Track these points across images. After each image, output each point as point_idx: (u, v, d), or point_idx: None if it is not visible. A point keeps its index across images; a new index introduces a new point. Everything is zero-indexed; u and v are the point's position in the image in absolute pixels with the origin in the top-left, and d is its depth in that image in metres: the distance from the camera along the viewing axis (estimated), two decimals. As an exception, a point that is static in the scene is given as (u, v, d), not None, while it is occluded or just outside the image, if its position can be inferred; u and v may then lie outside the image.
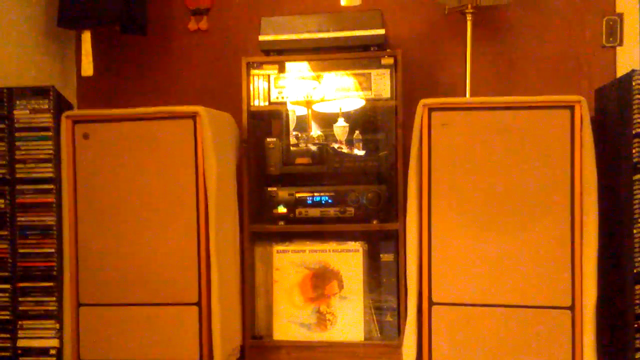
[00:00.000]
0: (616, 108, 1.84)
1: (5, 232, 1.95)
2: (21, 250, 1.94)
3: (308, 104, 2.22)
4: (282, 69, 2.21)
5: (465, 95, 2.19)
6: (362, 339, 2.11)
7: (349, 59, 2.17)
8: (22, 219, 1.95)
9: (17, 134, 1.95)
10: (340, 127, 2.21)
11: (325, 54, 2.17)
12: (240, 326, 2.12)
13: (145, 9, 2.47)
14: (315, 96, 2.20)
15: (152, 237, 1.91)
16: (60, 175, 1.94)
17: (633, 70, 1.75)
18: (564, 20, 2.37)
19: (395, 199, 2.10)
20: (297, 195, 2.14)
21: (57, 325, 1.95)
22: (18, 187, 1.95)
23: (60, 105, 1.99)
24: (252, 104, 2.19)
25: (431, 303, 1.84)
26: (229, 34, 2.58)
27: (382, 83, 2.16)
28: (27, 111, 1.95)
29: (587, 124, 1.77)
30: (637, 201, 1.74)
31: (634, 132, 1.74)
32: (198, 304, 1.90)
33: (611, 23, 2.33)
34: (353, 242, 2.14)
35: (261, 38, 2.19)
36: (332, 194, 2.13)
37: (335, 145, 2.19)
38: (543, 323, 1.78)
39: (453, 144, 1.84)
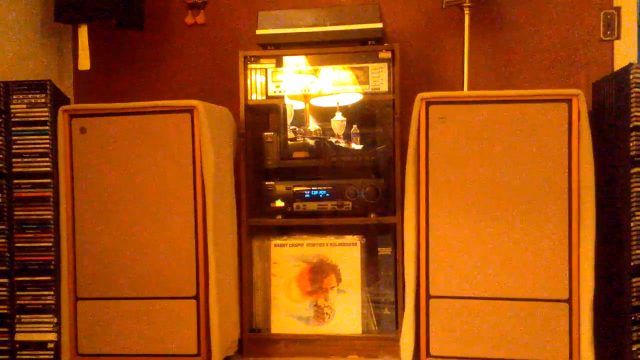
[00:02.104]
0: (614, 101, 1.85)
1: (3, 226, 1.94)
2: (19, 245, 1.94)
3: (305, 98, 2.22)
4: (279, 63, 2.21)
5: (462, 89, 2.18)
6: (360, 332, 2.12)
7: (347, 53, 2.16)
8: (20, 213, 1.94)
9: (14, 128, 1.95)
10: (338, 121, 2.21)
11: (322, 47, 2.17)
12: (238, 320, 2.12)
13: (142, 3, 2.46)
14: (312, 90, 2.20)
15: (149, 231, 1.91)
16: (58, 170, 1.94)
17: (630, 64, 1.75)
18: (562, 14, 2.37)
19: (392, 193, 2.10)
20: (295, 189, 2.14)
21: (55, 319, 1.95)
22: (15, 181, 1.95)
23: (57, 99, 1.99)
24: (249, 98, 2.19)
25: (429, 296, 1.85)
26: (226, 28, 2.57)
27: (379, 77, 2.16)
28: (24, 105, 1.95)
29: (585, 118, 1.77)
30: (634, 194, 1.74)
31: (631, 125, 1.74)
32: (196, 297, 1.90)
33: (609, 17, 2.33)
34: (351, 236, 2.15)
35: (258, 32, 2.18)
36: (329, 187, 2.13)
37: (333, 140, 2.18)
38: (540, 316, 1.79)
39: (450, 137, 1.84)
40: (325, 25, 2.15)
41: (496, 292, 1.81)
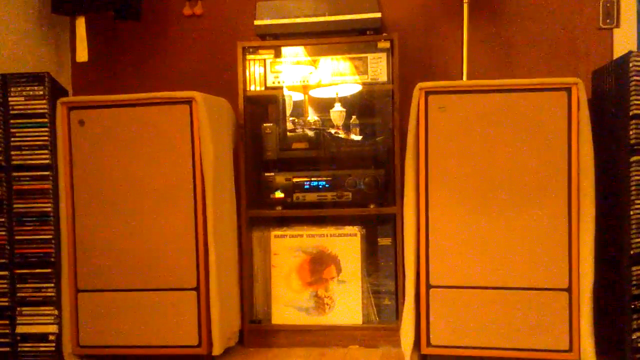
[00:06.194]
0: (613, 90, 1.84)
1: (3, 219, 1.94)
2: (18, 237, 1.94)
3: (304, 88, 2.21)
4: (278, 54, 2.20)
5: (462, 79, 2.18)
6: (360, 323, 2.12)
7: (346, 43, 2.16)
8: (19, 205, 1.94)
9: (12, 121, 1.94)
10: (337, 112, 2.20)
11: (321, 38, 2.16)
12: (238, 311, 2.13)
13: (140, -6, 2.46)
14: (311, 81, 2.19)
15: (149, 223, 1.91)
16: (57, 162, 1.94)
17: (630, 52, 1.74)
18: (561, 2, 2.35)
19: (392, 183, 2.10)
20: (295, 180, 2.14)
21: (56, 312, 1.95)
22: (14, 174, 1.94)
23: (55, 91, 1.98)
24: (248, 89, 2.18)
25: (429, 286, 1.85)
26: (224, 19, 2.56)
27: (378, 67, 2.15)
28: (22, 98, 1.94)
29: (584, 106, 1.77)
30: (634, 183, 1.74)
31: (630, 113, 1.73)
32: (196, 289, 1.90)
33: (608, 5, 2.32)
34: (350, 227, 2.15)
35: (257, 22, 2.17)
36: (329, 178, 2.13)
37: (332, 130, 2.18)
38: (540, 305, 1.79)
39: (450, 127, 1.83)
40: (324, 15, 2.14)
41: (496, 282, 1.82)
